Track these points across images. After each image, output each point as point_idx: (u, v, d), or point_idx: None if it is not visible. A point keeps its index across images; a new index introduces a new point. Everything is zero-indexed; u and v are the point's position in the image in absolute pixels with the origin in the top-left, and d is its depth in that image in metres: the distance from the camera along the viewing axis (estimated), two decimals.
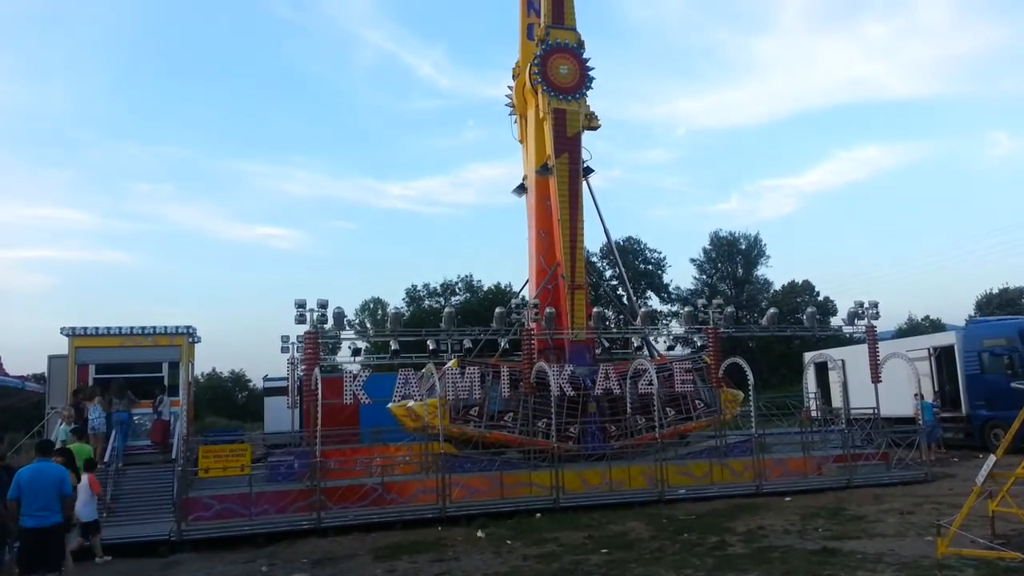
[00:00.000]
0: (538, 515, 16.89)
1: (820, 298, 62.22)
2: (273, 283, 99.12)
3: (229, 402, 62.15)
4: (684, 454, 21.47)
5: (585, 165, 24.62)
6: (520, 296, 26.02)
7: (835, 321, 35.83)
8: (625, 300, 35.46)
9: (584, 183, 24.42)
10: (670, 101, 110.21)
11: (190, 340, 21.24)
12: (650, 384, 20.24)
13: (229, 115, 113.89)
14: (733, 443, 21.94)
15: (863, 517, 15.18)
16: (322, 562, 13.24)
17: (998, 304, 58.07)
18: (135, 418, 19.32)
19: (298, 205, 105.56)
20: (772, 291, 65.50)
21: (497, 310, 22.09)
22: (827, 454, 21.87)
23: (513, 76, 27.48)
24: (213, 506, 16.44)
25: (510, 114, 27.76)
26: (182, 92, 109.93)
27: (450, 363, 20.61)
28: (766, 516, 15.84)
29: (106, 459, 17.54)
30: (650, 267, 65.25)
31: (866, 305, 23.71)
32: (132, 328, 20.49)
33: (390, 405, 20.63)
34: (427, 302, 60.13)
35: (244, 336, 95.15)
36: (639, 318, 24.07)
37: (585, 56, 24.57)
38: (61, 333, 19.91)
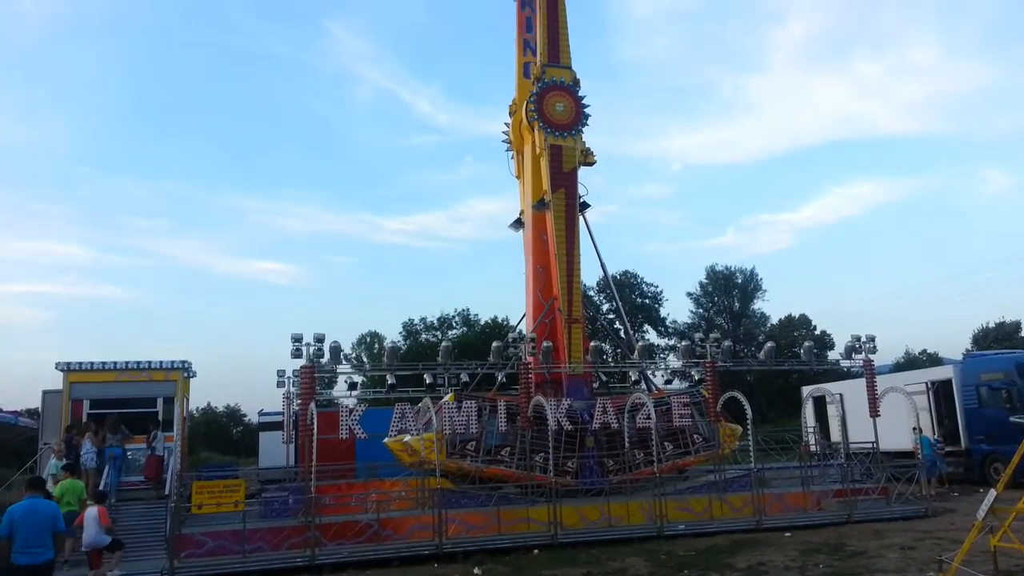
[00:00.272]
0: (536, 551, 16.68)
1: (817, 332, 62.21)
2: (269, 318, 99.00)
3: (224, 437, 61.62)
4: (683, 489, 21.28)
5: (581, 200, 24.80)
6: (517, 330, 26.02)
7: (832, 355, 35.88)
8: (622, 334, 35.42)
9: (580, 218, 24.57)
10: (665, 137, 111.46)
11: (185, 375, 21.14)
12: (648, 418, 20.14)
13: (227, 151, 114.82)
14: (732, 478, 21.77)
15: (864, 553, 15.01)
16: None
17: (995, 338, 58.11)
18: (129, 453, 19.16)
19: (295, 240, 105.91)
20: (769, 325, 65.55)
21: (494, 344, 22.06)
22: (827, 489, 21.68)
23: (510, 113, 27.81)
24: (206, 543, 16.20)
25: (507, 150, 28.04)
26: (180, 128, 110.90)
27: (447, 397, 20.52)
28: (766, 552, 15.66)
29: None
30: (647, 301, 65.32)
31: (863, 339, 23.72)
32: (127, 363, 20.40)
33: (386, 440, 20.48)
34: (424, 336, 60.03)
35: (240, 371, 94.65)
36: (636, 352, 24.04)
37: (581, 93, 24.90)
38: (56, 368, 19.82)
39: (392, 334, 62.29)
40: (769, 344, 24.65)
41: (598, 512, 18.79)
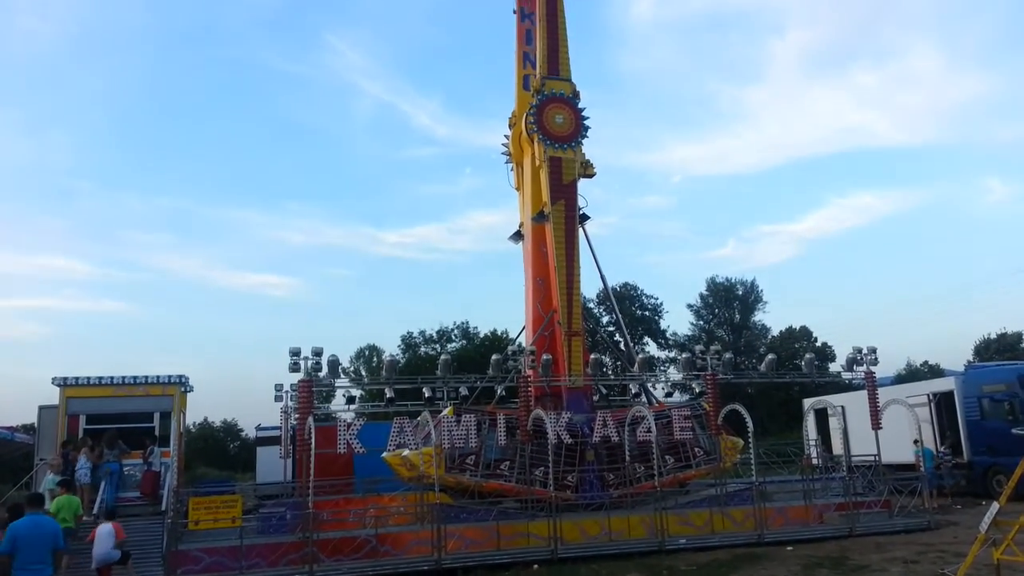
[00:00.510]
0: (536, 567, 16.54)
1: (818, 344, 62.09)
2: (268, 331, 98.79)
3: (221, 452, 61.34)
4: (684, 503, 21.13)
5: (581, 212, 24.77)
6: (517, 343, 25.92)
7: (833, 367, 35.76)
8: (622, 346, 35.31)
9: (580, 230, 24.52)
10: (665, 149, 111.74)
11: (182, 390, 21.04)
12: (649, 431, 20.00)
13: (227, 165, 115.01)
14: (734, 491, 21.62)
15: (867, 566, 14.88)
16: None
17: (996, 349, 57.95)
18: (125, 469, 19.01)
19: (294, 253, 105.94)
20: (770, 337, 65.44)
21: (494, 357, 21.95)
22: (829, 502, 21.53)
23: (509, 125, 27.84)
24: (203, 559, 16.05)
25: (506, 162, 28.04)
26: (181, 143, 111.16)
27: (446, 411, 20.40)
28: (768, 566, 15.52)
29: (94, 511, 17.18)
30: (647, 313, 65.23)
31: (864, 351, 23.62)
32: (124, 378, 20.31)
33: (385, 454, 20.35)
34: (423, 349, 59.87)
35: (237, 385, 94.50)
36: (637, 364, 23.93)
37: (580, 105, 24.91)
38: (52, 383, 19.73)
39: (391, 347, 62.24)
40: (770, 356, 24.54)
41: (599, 527, 18.63)
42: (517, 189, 27.56)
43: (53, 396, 19.87)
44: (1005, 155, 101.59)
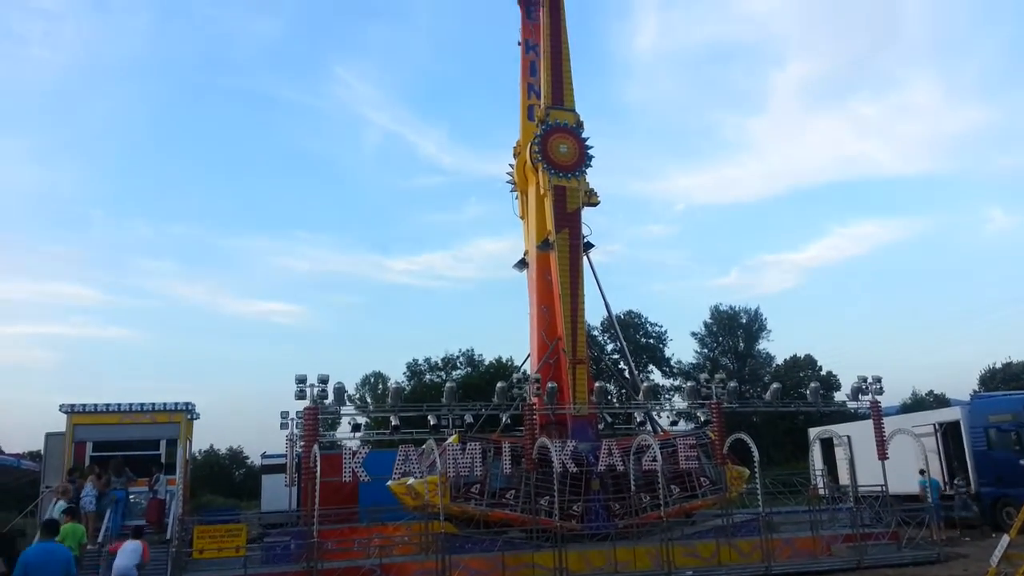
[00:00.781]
0: None
1: (823, 373, 61.83)
2: (274, 358, 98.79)
3: (226, 480, 61.04)
4: (690, 533, 20.99)
5: (585, 240, 24.93)
6: (522, 370, 25.92)
7: (839, 396, 35.57)
8: (627, 374, 35.28)
9: (584, 258, 24.68)
10: (668, 178, 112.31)
11: (189, 417, 21.07)
12: (654, 460, 19.95)
13: (235, 193, 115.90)
14: (740, 522, 21.47)
15: None
16: None
17: (1002, 379, 57.62)
18: (131, 497, 19.00)
19: (301, 281, 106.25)
20: (774, 365, 65.18)
21: (499, 385, 21.98)
22: (836, 533, 21.37)
23: (514, 155, 28.12)
24: None
25: (511, 191, 28.28)
26: (190, 172, 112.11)
27: (451, 439, 20.39)
28: None
29: (99, 539, 17.15)
30: (651, 341, 65.13)
31: (869, 380, 23.58)
32: (131, 405, 20.37)
33: (390, 483, 20.29)
34: (428, 376, 59.79)
35: (243, 412, 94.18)
36: (641, 393, 23.93)
37: (584, 135, 25.19)
38: (60, 410, 19.80)
39: (396, 375, 62.09)
40: (775, 385, 24.51)
41: (604, 557, 18.52)
42: (522, 218, 27.77)
43: (60, 423, 19.95)
44: (1005, 184, 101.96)
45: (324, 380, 19.23)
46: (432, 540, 18.22)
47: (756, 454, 20.15)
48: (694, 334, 69.24)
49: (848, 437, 26.31)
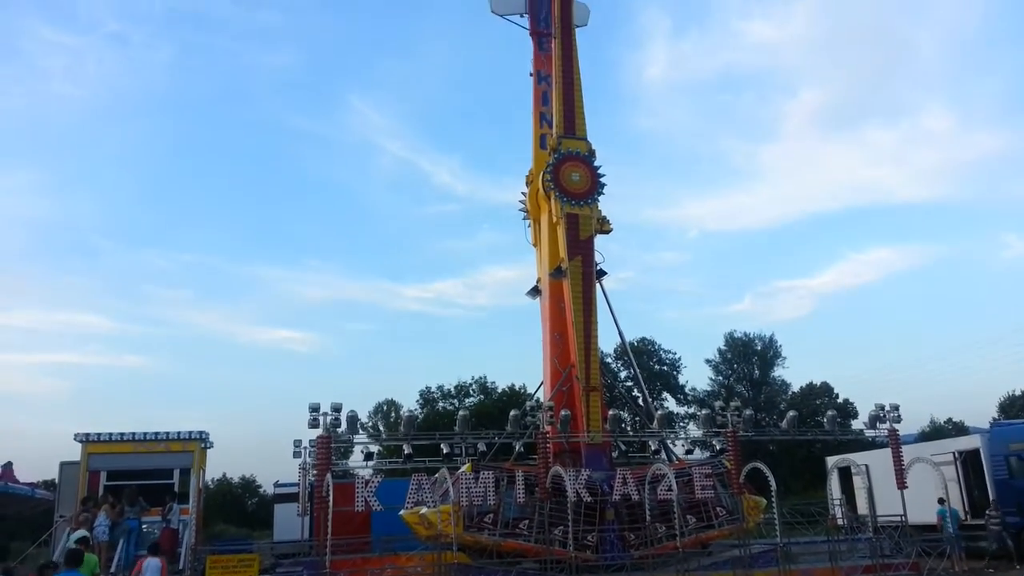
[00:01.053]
0: None
1: (839, 400, 61.18)
2: (288, 386, 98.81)
3: (239, 509, 60.84)
4: (707, 564, 20.68)
5: (598, 268, 24.96)
6: (535, 398, 25.84)
7: (856, 424, 35.19)
8: (641, 402, 35.06)
9: (597, 285, 24.67)
10: (681, 205, 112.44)
11: (202, 446, 21.11)
12: (669, 490, 19.74)
13: (249, 222, 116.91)
14: (758, 553, 21.13)
15: None
16: None
17: (1022, 406, 56.86)
18: (143, 526, 18.98)
19: (315, 308, 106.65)
20: (790, 393, 64.57)
21: (512, 413, 21.90)
22: (856, 564, 20.98)
23: (527, 183, 28.29)
24: None
25: (524, 218, 28.41)
26: (204, 201, 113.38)
27: (464, 467, 20.27)
28: None
29: (112, 569, 17.11)
30: (665, 368, 64.73)
31: (887, 408, 23.33)
32: (145, 434, 20.45)
33: (402, 512, 20.18)
34: (441, 404, 59.60)
35: (257, 440, 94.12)
36: (656, 421, 23.76)
37: (596, 163, 25.33)
38: (74, 439, 19.89)
39: (409, 402, 61.93)
40: (791, 413, 24.30)
41: None
42: (534, 245, 27.86)
43: (75, 452, 20.04)
44: (1019, 211, 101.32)
45: (337, 408, 19.23)
46: (445, 570, 18.04)
47: (773, 483, 19.91)
48: (708, 361, 68.80)
49: (866, 466, 25.94)
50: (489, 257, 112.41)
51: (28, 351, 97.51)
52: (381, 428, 60.84)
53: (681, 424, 56.41)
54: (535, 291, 27.23)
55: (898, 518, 22.08)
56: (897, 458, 22.86)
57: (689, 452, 25.60)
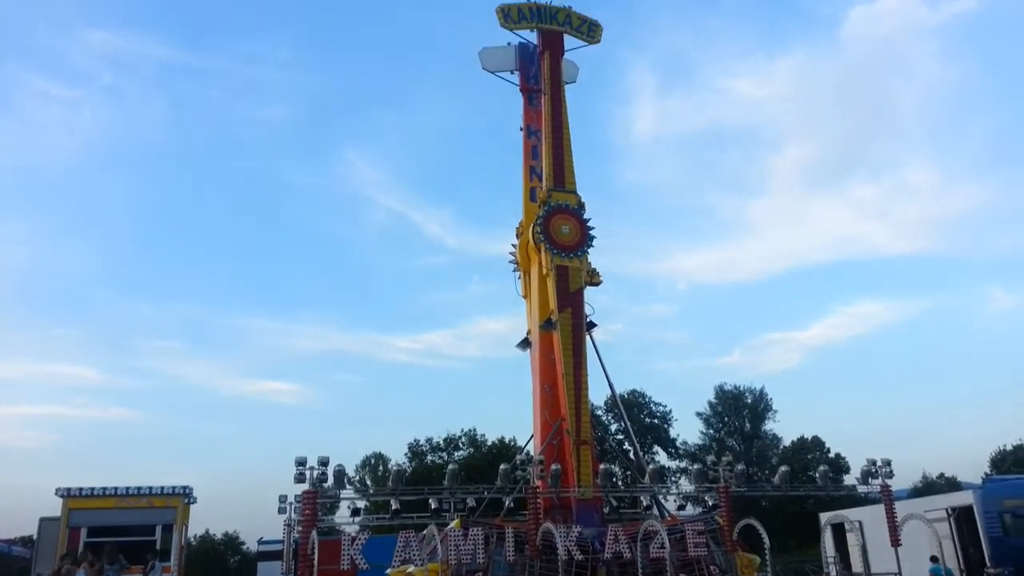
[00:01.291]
0: None
1: (831, 455, 60.83)
2: (273, 439, 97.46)
3: (221, 567, 59.39)
4: None
5: (588, 320, 25.00)
6: (525, 451, 25.59)
7: (848, 479, 34.92)
8: (632, 455, 34.73)
9: (587, 337, 24.66)
10: (670, 257, 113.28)
11: (185, 501, 20.68)
12: (662, 548, 19.41)
13: (241, 272, 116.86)
14: None
15: None
16: None
17: (1014, 461, 56.61)
18: None
19: (303, 359, 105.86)
20: (782, 447, 64.20)
21: (502, 467, 21.63)
22: None
23: (517, 235, 28.49)
24: None
25: (514, 270, 28.53)
26: (196, 251, 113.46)
27: (453, 523, 19.91)
28: None
29: None
30: (656, 421, 64.31)
31: (879, 463, 23.21)
32: (128, 488, 20.05)
33: (389, 571, 19.70)
34: (429, 457, 58.85)
35: (240, 496, 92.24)
36: (648, 475, 23.52)
37: (586, 216, 25.59)
38: (56, 494, 19.47)
39: (397, 455, 61.14)
40: (783, 468, 24.11)
41: None
42: (524, 297, 27.92)
43: (56, 507, 19.57)
44: (1005, 264, 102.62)
45: (324, 462, 18.95)
46: None
47: (767, 540, 19.63)
48: (699, 414, 68.46)
49: (860, 522, 25.67)
50: (479, 309, 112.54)
51: (12, 403, 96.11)
52: (368, 482, 59.95)
53: (673, 479, 55.88)
54: (525, 343, 27.19)
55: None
56: (890, 514, 22.62)
57: (681, 508, 25.27)
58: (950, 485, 48.31)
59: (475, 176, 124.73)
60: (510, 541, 19.41)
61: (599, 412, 54.94)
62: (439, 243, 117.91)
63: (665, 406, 64.77)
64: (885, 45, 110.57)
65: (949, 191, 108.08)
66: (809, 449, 62.15)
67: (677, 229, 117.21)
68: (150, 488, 20.29)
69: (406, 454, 59.78)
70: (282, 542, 25.09)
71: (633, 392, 63.57)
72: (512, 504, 23.79)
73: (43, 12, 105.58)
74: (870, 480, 23.41)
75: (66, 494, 19.48)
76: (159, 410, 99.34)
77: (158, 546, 19.74)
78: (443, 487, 21.45)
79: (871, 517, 26.56)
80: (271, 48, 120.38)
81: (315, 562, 17.00)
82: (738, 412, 67.66)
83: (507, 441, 56.88)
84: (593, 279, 25.82)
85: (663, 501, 25.51)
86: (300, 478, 18.78)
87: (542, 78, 28.19)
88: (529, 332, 26.85)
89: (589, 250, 25.32)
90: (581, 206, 25.81)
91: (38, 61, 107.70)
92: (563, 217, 25.26)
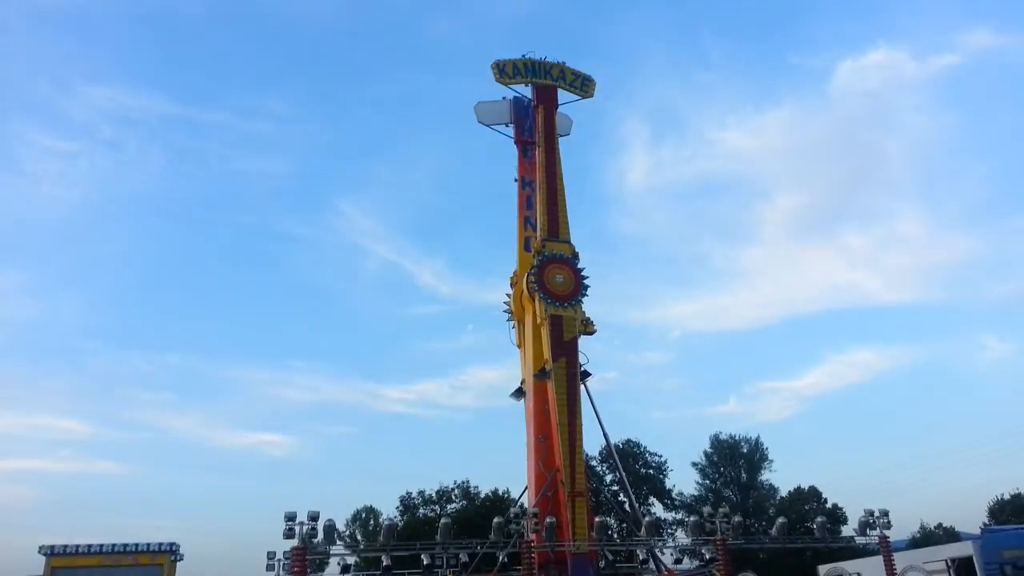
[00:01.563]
0: None
1: (828, 505, 60.12)
2: (263, 492, 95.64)
3: None
4: None
5: (582, 369, 24.93)
6: (519, 504, 25.21)
7: (846, 530, 34.49)
8: (627, 507, 34.25)
9: (582, 387, 24.55)
10: (663, 305, 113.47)
11: (172, 558, 20.26)
12: None
13: (235, 323, 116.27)
14: None
15: None
16: None
17: (1011, 511, 56.01)
18: None
19: (295, 410, 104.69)
20: (779, 497, 63.45)
21: (495, 520, 21.30)
22: None
23: (511, 284, 28.58)
24: None
25: (508, 320, 28.53)
26: (190, 302, 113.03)
27: None
28: None
29: None
30: (651, 471, 63.52)
31: (877, 513, 22.98)
32: (113, 545, 19.60)
33: None
34: (422, 511, 57.82)
35: (228, 551, 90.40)
36: (644, 528, 23.17)
37: (580, 265, 25.71)
38: (39, 552, 19.01)
39: (389, 508, 60.06)
40: (781, 520, 23.86)
41: None
42: (518, 346, 27.86)
43: (39, 565, 19.10)
44: (996, 313, 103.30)
45: (314, 517, 18.64)
46: None
47: None
48: (695, 464, 67.67)
49: (859, 574, 25.29)
50: (473, 358, 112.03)
51: None
52: (359, 537, 58.76)
53: (669, 531, 55.00)
54: (519, 393, 27.05)
55: None
56: (889, 566, 22.32)
57: (678, 561, 24.85)
58: (948, 535, 47.71)
59: (469, 226, 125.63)
60: None
61: (594, 462, 54.31)
62: (433, 292, 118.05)
63: (660, 456, 64.06)
64: (874, 98, 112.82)
65: (939, 240, 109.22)
66: (806, 499, 61.43)
67: (670, 277, 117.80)
68: (136, 545, 19.84)
69: (398, 507, 58.78)
70: None
71: (628, 442, 62.92)
72: (506, 559, 23.32)
73: (45, 68, 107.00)
74: (868, 531, 23.14)
75: (50, 552, 19.03)
76: (146, 463, 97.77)
77: None
78: (435, 542, 21.08)
79: (870, 569, 26.17)
80: (268, 101, 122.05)
81: None
82: (734, 462, 66.99)
83: (501, 493, 56.05)
84: (587, 328, 25.84)
85: (659, 554, 25.10)
86: (289, 533, 18.45)
87: (536, 131, 28.63)
88: (523, 381, 26.74)
89: (583, 299, 25.38)
90: (575, 256, 25.97)
91: (37, 114, 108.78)
92: (557, 267, 25.39)
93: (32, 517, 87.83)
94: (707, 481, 66.97)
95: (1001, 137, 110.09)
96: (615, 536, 34.94)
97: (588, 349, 25.62)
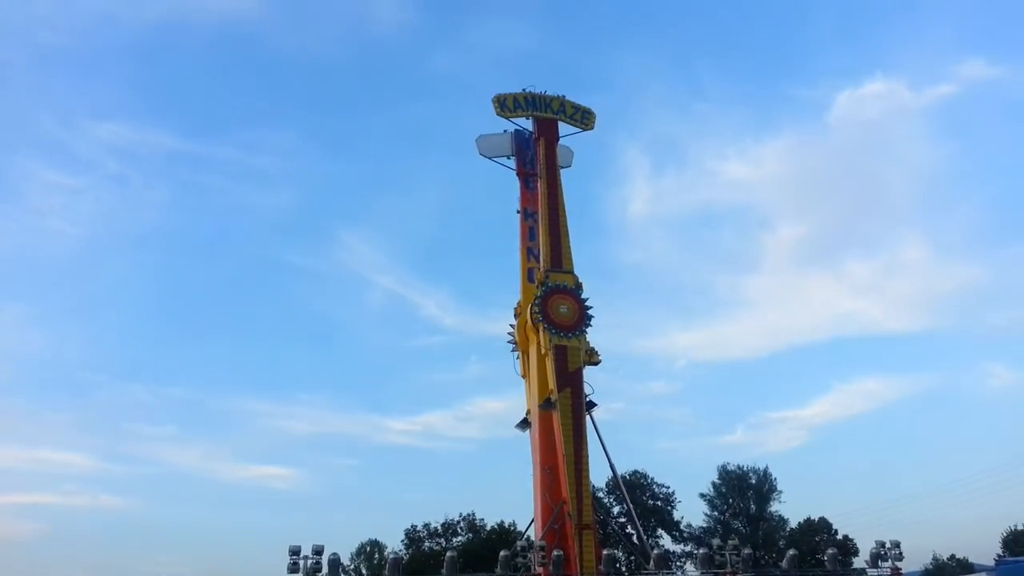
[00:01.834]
0: None
1: (839, 536, 59.27)
2: (266, 525, 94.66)
3: None
4: None
5: (588, 399, 24.83)
6: (526, 536, 24.96)
7: (858, 562, 33.99)
8: (635, 539, 33.84)
9: (588, 417, 24.43)
10: (668, 335, 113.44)
11: None
12: None
13: (237, 356, 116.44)
14: None
15: None
16: None
17: None
18: None
19: (299, 443, 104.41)
20: (788, 529, 62.58)
21: (502, 554, 21.09)
22: None
23: (515, 315, 28.60)
24: None
25: (512, 350, 28.50)
26: (195, 335, 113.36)
27: None
28: None
29: None
30: (659, 503, 62.83)
31: (888, 545, 22.69)
32: None
33: None
34: (427, 544, 57.23)
35: None
36: (652, 561, 22.87)
37: (584, 296, 25.73)
38: None
39: (394, 542, 59.45)
40: (791, 552, 23.54)
41: None
42: (523, 377, 27.80)
43: None
44: (1002, 341, 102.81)
45: (319, 551, 18.49)
46: None
47: None
48: (703, 495, 66.96)
49: None
50: (477, 389, 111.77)
51: (2, 492, 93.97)
52: (364, 571, 58.21)
53: (678, 564, 54.26)
54: (524, 423, 26.92)
55: None
56: None
57: None
58: (962, 567, 46.96)
59: (472, 257, 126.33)
60: None
61: (600, 494, 53.79)
62: (437, 323, 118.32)
63: (668, 487, 63.43)
64: (873, 127, 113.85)
65: (943, 268, 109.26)
66: (817, 531, 60.61)
67: (674, 306, 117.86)
68: None
69: (403, 541, 58.21)
70: None
71: (635, 473, 62.36)
72: None
73: (50, 105, 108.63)
74: (880, 563, 22.83)
75: None
76: (150, 497, 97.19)
77: None
78: None
79: None
80: (271, 135, 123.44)
81: None
82: (742, 493, 66.22)
83: (507, 525, 55.44)
84: (592, 358, 25.80)
85: None
86: (294, 568, 18.29)
87: (538, 163, 28.85)
88: (528, 412, 26.63)
89: (587, 329, 25.36)
90: (579, 286, 26.00)
91: (44, 151, 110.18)
92: (561, 297, 25.42)
93: (37, 552, 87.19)
94: (715, 512, 66.19)
95: (999, 165, 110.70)
96: (623, 569, 34.52)
97: (593, 379, 25.62)
